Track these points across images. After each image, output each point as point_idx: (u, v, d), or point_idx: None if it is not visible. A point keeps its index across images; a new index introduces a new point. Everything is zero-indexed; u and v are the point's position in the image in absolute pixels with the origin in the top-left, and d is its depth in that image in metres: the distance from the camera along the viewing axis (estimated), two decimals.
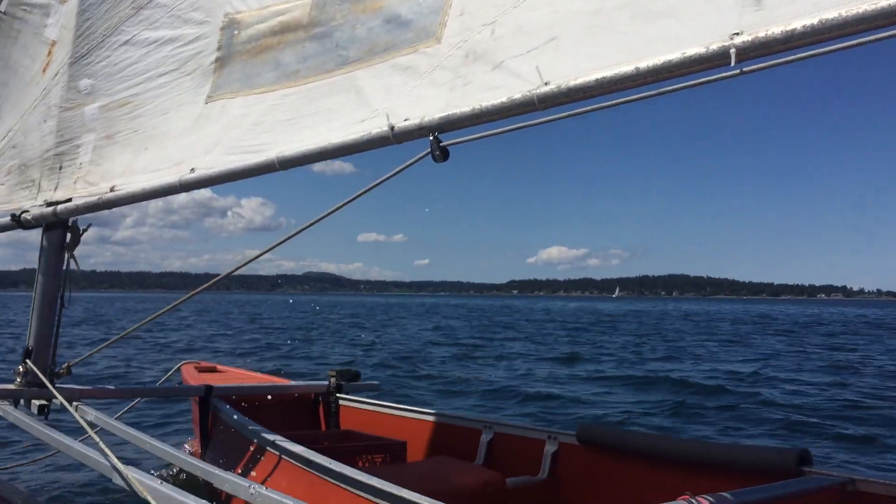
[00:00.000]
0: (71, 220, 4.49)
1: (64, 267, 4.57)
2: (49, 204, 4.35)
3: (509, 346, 24.44)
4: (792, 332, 35.94)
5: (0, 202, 4.70)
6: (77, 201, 4.28)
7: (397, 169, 2.87)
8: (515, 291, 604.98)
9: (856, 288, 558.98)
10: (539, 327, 38.91)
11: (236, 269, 4.08)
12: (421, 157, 2.81)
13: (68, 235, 4.55)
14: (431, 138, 2.73)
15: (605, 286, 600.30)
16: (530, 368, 17.19)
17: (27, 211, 4.44)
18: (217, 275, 4.34)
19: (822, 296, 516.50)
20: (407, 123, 2.82)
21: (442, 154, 2.72)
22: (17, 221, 4.43)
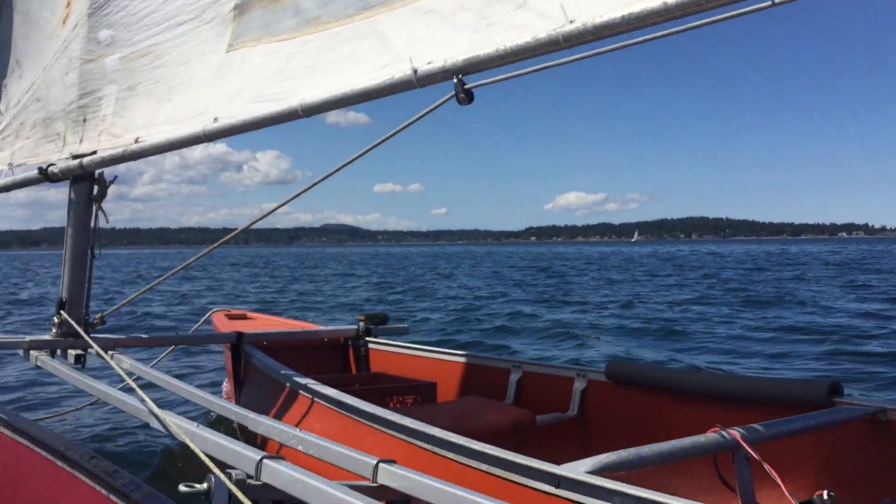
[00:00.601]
0: (97, 172, 4.52)
1: (92, 219, 4.62)
2: (75, 157, 4.38)
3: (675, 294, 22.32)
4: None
5: (26, 156, 4.74)
6: (102, 153, 4.31)
7: (422, 113, 2.86)
8: (533, 238, 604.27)
9: (877, 225, 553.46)
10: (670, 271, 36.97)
11: (254, 222, 4.14)
12: (445, 101, 2.79)
13: (95, 188, 4.58)
14: (455, 81, 2.71)
15: (624, 230, 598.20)
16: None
17: (53, 164, 4.48)
18: (234, 229, 4.38)
19: (844, 234, 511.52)
20: (430, 67, 2.80)
21: (466, 96, 2.70)
22: (45, 175, 4.46)
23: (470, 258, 71.91)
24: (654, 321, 15.08)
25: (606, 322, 15.18)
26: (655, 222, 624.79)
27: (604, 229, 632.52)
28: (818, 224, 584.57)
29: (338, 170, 3.41)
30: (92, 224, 4.59)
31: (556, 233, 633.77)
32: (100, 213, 4.58)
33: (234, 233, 4.33)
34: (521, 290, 25.67)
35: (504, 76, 2.66)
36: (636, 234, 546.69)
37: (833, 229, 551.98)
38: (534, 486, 2.61)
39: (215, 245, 4.59)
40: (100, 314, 4.69)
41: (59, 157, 4.51)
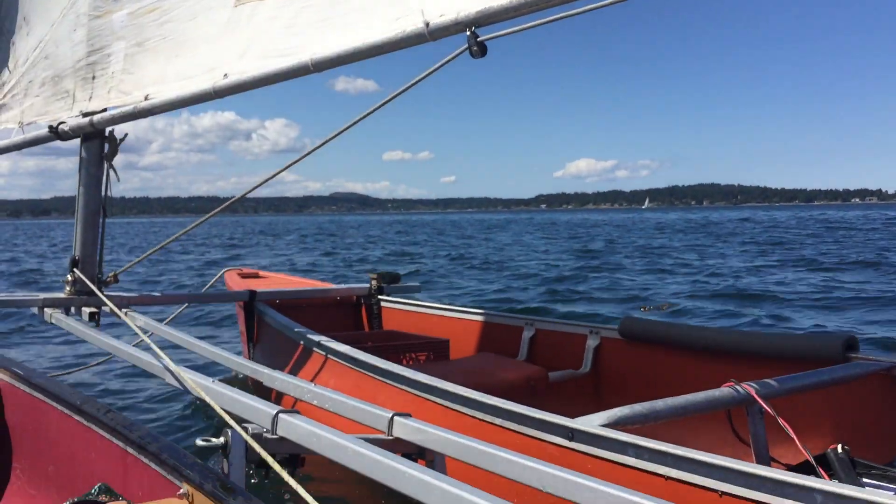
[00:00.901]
0: (108, 130, 4.51)
1: (104, 177, 4.61)
2: (85, 114, 4.36)
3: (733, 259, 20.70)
4: None
5: (36, 114, 4.72)
6: (112, 111, 4.29)
7: (436, 65, 2.83)
8: (544, 206, 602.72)
9: (891, 191, 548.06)
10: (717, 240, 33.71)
11: (258, 186, 4.12)
12: (458, 54, 2.75)
13: (106, 146, 4.57)
14: (468, 33, 2.67)
15: (635, 197, 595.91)
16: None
17: (64, 122, 4.46)
18: (244, 197, 4.38)
19: (857, 200, 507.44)
20: (442, 19, 2.75)
21: (480, 49, 2.66)
22: (55, 133, 4.45)
23: (505, 226, 68.17)
24: (742, 287, 13.74)
25: (690, 289, 13.63)
26: (667, 189, 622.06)
27: (614, 196, 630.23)
28: (831, 190, 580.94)
29: (347, 128, 3.38)
30: (103, 182, 4.58)
31: (566, 200, 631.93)
32: (111, 171, 4.58)
33: (241, 195, 4.34)
34: (577, 258, 23.10)
35: (519, 27, 2.62)
36: (647, 201, 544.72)
37: (846, 195, 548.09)
38: (547, 439, 2.62)
39: (222, 207, 4.60)
40: (113, 272, 4.71)
41: (68, 114, 4.49)
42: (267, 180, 4.02)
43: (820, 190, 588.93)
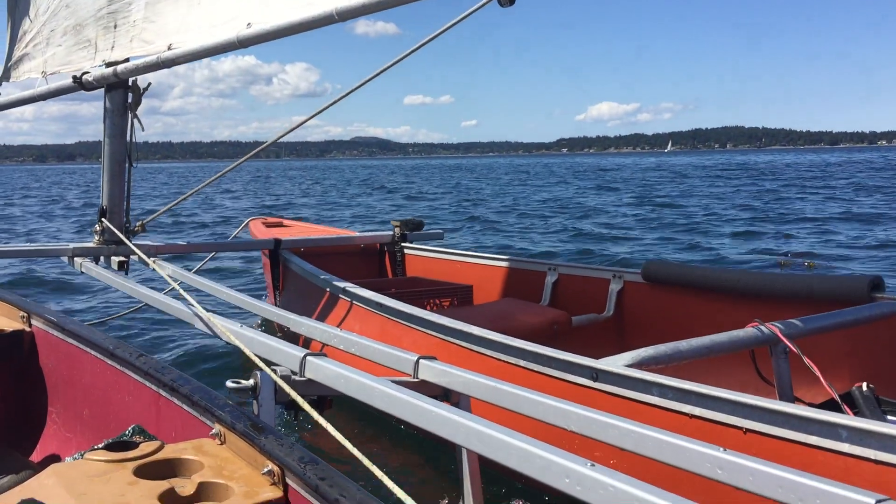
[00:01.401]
0: (131, 79, 4.51)
1: (128, 127, 4.63)
2: (108, 64, 4.36)
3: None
4: None
5: (59, 64, 4.73)
6: (136, 61, 4.28)
7: (463, 14, 2.80)
8: (565, 150, 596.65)
9: None
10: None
11: (283, 135, 4.13)
12: (487, 2, 2.73)
13: (130, 95, 4.58)
14: None
15: (657, 141, 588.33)
16: None
17: (87, 72, 4.47)
18: (265, 142, 4.39)
19: (884, 142, 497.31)
20: None
21: None
22: (79, 83, 4.46)
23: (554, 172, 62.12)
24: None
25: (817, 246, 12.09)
26: (689, 132, 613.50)
27: (636, 140, 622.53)
28: (857, 132, 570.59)
29: (371, 79, 3.37)
30: (128, 132, 4.60)
31: (588, 144, 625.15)
32: (135, 121, 4.59)
33: (266, 144, 4.36)
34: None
35: None
36: (670, 144, 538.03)
37: (872, 137, 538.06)
38: (571, 380, 2.65)
39: (249, 155, 4.60)
40: (140, 222, 4.76)
41: (91, 64, 4.50)
42: (298, 126, 4.03)
43: (846, 132, 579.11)
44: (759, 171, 50.30)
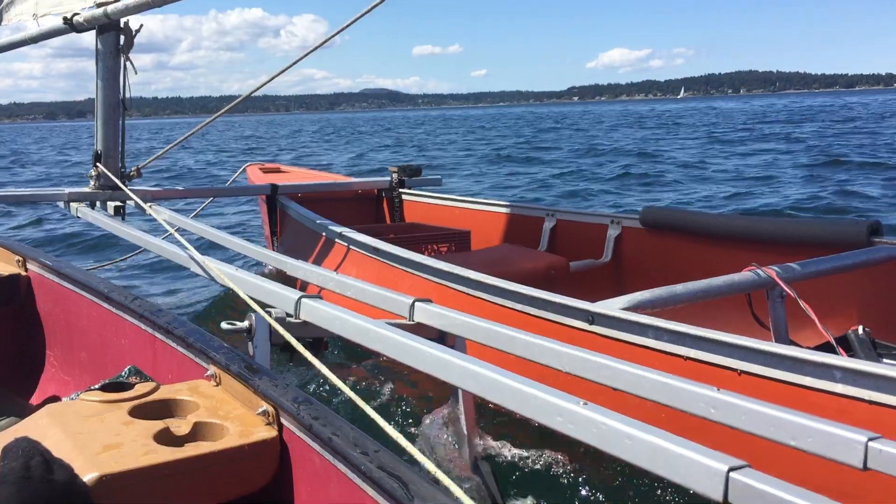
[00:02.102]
0: (123, 21, 4.44)
1: (121, 70, 4.57)
2: (99, 4, 4.29)
3: None
4: None
5: (51, 6, 4.65)
6: (126, 0, 4.21)
7: None
8: (576, 98, 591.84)
9: None
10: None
11: (268, 81, 4.08)
12: None
13: (122, 38, 4.51)
14: None
15: (670, 87, 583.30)
16: None
17: (78, 13, 4.40)
18: (274, 96, 4.36)
19: None
20: None
21: None
22: (70, 24, 4.39)
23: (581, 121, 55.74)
24: None
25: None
26: (702, 78, 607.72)
27: (648, 87, 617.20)
28: (873, 74, 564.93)
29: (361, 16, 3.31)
30: (121, 75, 4.55)
31: (600, 91, 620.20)
32: (128, 63, 4.53)
33: (253, 90, 4.29)
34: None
35: None
36: (682, 90, 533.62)
37: (889, 79, 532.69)
38: (567, 323, 2.65)
39: (239, 99, 4.57)
40: (136, 167, 4.73)
41: (82, 5, 4.42)
42: (269, 81, 3.97)
43: (861, 74, 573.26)
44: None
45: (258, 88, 4.17)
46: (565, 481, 2.68)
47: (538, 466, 2.80)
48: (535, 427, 2.88)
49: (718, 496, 1.21)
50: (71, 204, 4.44)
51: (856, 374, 1.93)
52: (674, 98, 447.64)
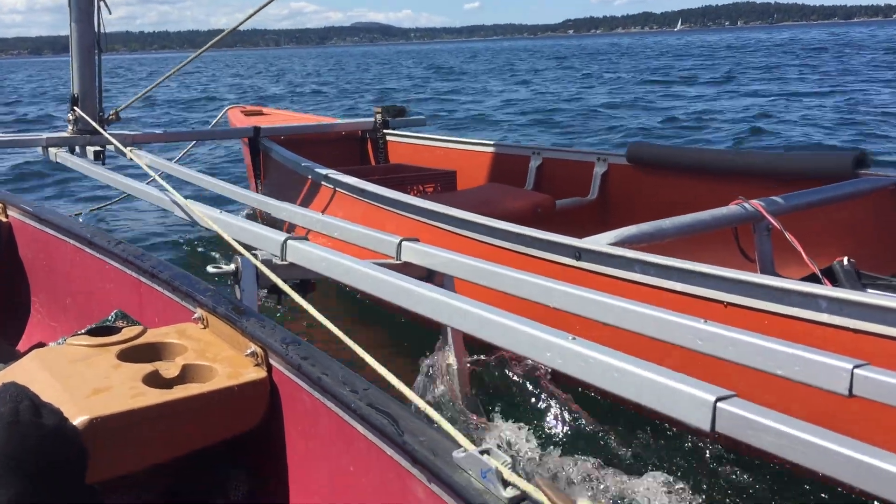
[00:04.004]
0: None
1: (95, 11, 4.47)
2: None
3: None
4: None
5: None
6: None
7: None
8: (571, 31, 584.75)
9: None
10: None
11: (255, 13, 4.00)
12: None
13: None
14: None
15: (666, 20, 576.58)
16: None
17: None
18: (263, 30, 4.28)
19: None
20: None
21: None
22: None
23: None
24: None
25: None
26: (699, 9, 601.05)
27: (644, 19, 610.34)
28: (871, 5, 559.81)
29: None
30: (95, 15, 4.44)
31: (595, 24, 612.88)
32: (101, 3, 4.42)
33: (236, 26, 4.21)
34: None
35: None
36: (679, 22, 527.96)
37: (888, 10, 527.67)
38: (555, 259, 2.65)
39: (225, 32, 4.48)
40: (114, 110, 4.65)
41: None
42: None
43: (860, 6, 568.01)
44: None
45: (245, 20, 4.08)
46: (554, 414, 2.72)
47: (527, 401, 2.83)
48: (523, 363, 2.90)
49: (706, 426, 1.22)
50: (49, 149, 4.37)
51: (841, 303, 1.94)
52: (671, 31, 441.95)
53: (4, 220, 2.92)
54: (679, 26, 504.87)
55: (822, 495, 2.25)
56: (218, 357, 1.69)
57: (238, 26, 4.21)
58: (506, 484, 1.08)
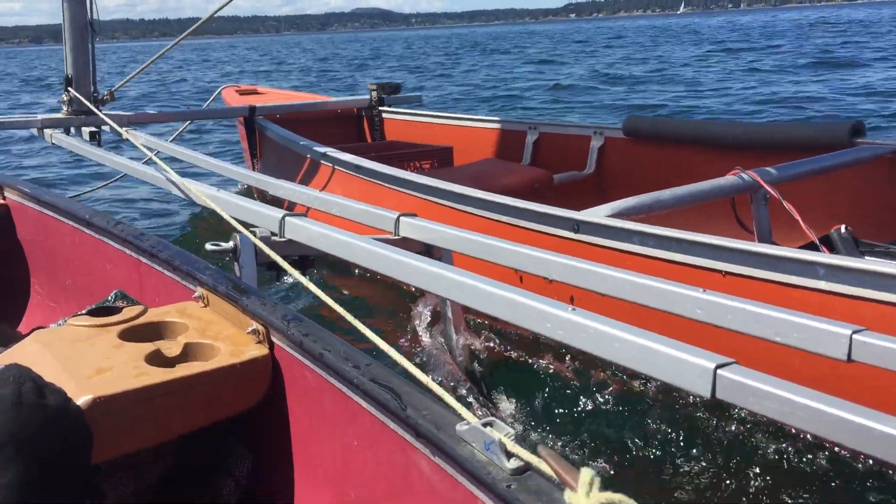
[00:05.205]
0: None
1: None
2: None
3: None
4: None
5: None
6: None
7: None
8: (573, 15, 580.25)
9: None
10: None
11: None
12: None
13: None
14: None
15: (668, 3, 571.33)
16: None
17: None
18: (263, 16, 4.26)
19: None
20: None
21: None
22: None
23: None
24: None
25: None
26: None
27: (647, 2, 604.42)
28: None
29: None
30: None
31: (597, 8, 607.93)
32: None
33: (217, 9, 4.18)
34: None
35: None
36: (682, 5, 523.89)
37: None
38: (553, 232, 2.65)
39: (207, 17, 4.46)
40: (109, 90, 4.63)
41: None
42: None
43: None
44: None
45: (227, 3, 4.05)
46: (554, 386, 2.73)
47: (528, 374, 2.85)
48: (523, 336, 2.91)
49: (707, 393, 1.23)
50: (45, 130, 4.36)
51: (839, 270, 1.95)
52: (673, 13, 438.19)
53: (2, 202, 2.92)
54: (682, 9, 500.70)
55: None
56: (219, 335, 1.69)
57: (226, 4, 4.18)
58: (509, 455, 1.09)
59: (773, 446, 2.33)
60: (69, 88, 4.42)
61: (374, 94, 6.00)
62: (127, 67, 31.74)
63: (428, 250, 2.41)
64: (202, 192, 2.64)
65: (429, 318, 3.03)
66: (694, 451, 2.38)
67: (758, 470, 2.28)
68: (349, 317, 1.54)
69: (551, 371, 2.78)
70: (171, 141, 4.90)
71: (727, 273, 2.16)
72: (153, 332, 1.73)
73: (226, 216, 2.28)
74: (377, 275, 2.03)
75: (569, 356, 2.74)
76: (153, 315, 1.79)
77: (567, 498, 0.91)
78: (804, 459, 2.26)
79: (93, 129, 4.43)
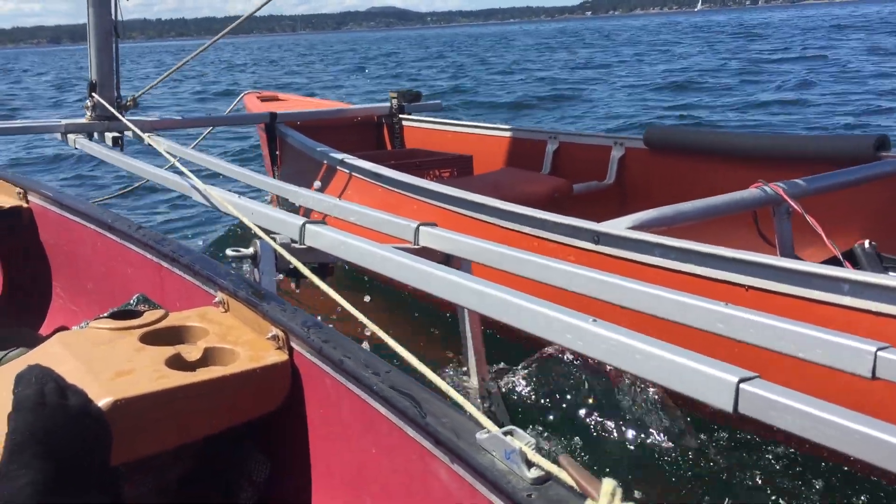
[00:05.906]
0: None
1: None
2: None
3: None
4: None
5: None
6: None
7: None
8: (589, 13, 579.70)
9: None
10: None
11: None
12: None
13: None
14: None
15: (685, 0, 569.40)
16: None
17: None
18: (279, 16, 4.29)
19: None
20: None
21: None
22: None
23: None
24: None
25: None
26: None
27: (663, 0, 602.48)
28: None
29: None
30: (112, 1, 4.45)
31: (613, 6, 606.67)
32: None
33: (251, 13, 4.21)
34: None
35: None
36: (700, 2, 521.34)
37: None
38: (573, 243, 2.64)
39: (235, 23, 4.48)
40: (132, 96, 4.66)
41: None
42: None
43: None
44: None
45: (262, 6, 4.08)
46: (574, 396, 2.72)
47: (546, 389, 2.83)
48: (543, 347, 2.90)
49: (729, 407, 1.22)
50: (68, 136, 4.40)
51: (863, 286, 1.93)
52: (690, 11, 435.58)
53: (25, 205, 2.94)
54: (699, 6, 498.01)
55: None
56: (239, 340, 1.70)
57: (257, 10, 4.21)
58: (530, 465, 1.08)
59: (801, 459, 2.31)
60: (93, 94, 4.46)
61: (395, 101, 6.02)
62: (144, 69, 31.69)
63: (447, 260, 2.41)
64: (224, 199, 2.65)
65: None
66: (719, 462, 2.36)
67: (785, 483, 2.26)
68: (369, 323, 1.54)
69: (570, 381, 2.76)
70: (192, 147, 4.93)
71: (750, 287, 2.15)
72: (174, 336, 1.74)
73: (247, 222, 2.29)
74: (396, 283, 2.02)
75: (588, 366, 2.73)
76: (174, 319, 1.79)
77: None
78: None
79: (115, 134, 4.46)
